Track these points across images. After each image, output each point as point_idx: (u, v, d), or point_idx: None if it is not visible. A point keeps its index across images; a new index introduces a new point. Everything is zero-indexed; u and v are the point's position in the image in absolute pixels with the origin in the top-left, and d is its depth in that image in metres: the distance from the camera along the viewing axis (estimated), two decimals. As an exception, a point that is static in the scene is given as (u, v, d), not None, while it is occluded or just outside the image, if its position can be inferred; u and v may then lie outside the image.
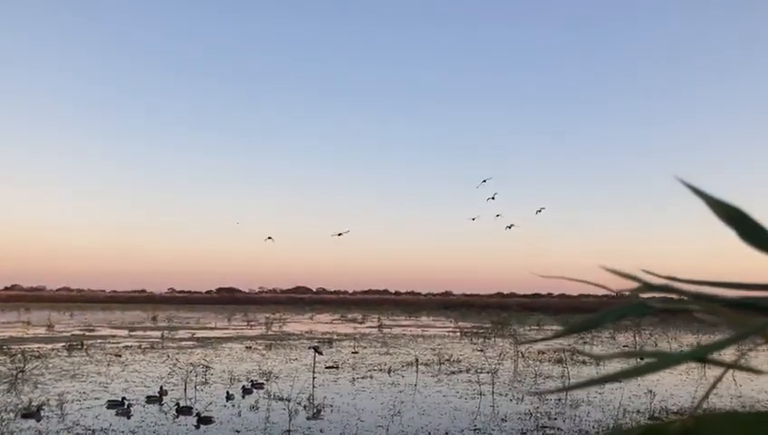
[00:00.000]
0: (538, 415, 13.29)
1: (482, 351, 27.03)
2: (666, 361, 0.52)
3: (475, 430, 11.81)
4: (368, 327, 46.13)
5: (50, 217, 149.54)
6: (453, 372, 19.90)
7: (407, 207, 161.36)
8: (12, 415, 12.70)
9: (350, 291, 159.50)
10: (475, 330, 41.05)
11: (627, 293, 0.70)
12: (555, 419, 12.89)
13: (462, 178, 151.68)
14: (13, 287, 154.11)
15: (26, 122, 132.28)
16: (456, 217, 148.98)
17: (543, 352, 26.07)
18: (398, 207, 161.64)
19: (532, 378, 18.81)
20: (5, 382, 16.83)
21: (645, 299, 0.69)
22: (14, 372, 17.94)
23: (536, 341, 0.83)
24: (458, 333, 38.23)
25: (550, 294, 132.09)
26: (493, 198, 33.64)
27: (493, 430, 11.84)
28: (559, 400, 15.27)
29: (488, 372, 19.35)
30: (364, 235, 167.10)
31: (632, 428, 0.53)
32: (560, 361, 23.00)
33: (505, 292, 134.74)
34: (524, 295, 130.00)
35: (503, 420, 12.76)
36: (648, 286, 0.70)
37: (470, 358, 24.13)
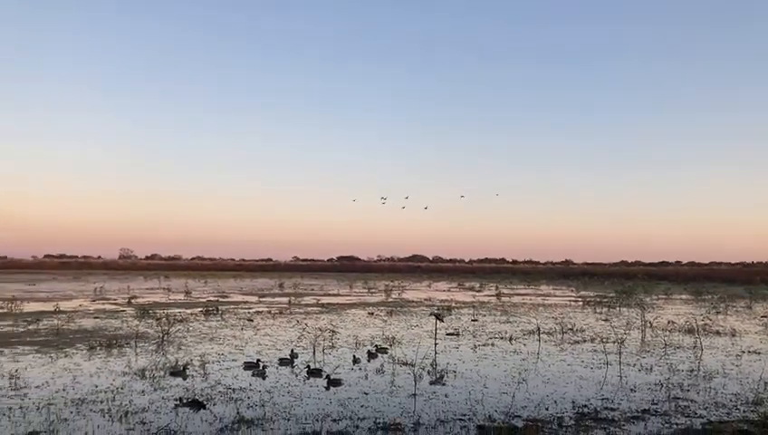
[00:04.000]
0: (669, 386, 12.65)
1: (606, 320, 26.03)
2: None
3: (602, 399, 11.39)
4: (486, 295, 45.41)
5: (184, 190, 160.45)
6: (576, 342, 19.18)
7: (524, 173, 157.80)
8: (161, 373, 13.40)
9: (467, 259, 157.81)
10: (598, 299, 39.45)
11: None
12: (688, 390, 12.23)
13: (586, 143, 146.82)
14: (153, 257, 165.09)
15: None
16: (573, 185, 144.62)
17: (673, 322, 24.79)
18: (518, 174, 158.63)
19: (662, 348, 17.83)
20: (154, 343, 17.71)
21: None
22: (161, 335, 18.97)
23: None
24: (580, 303, 36.92)
25: (678, 262, 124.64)
26: None
27: (621, 400, 11.36)
28: (691, 371, 14.39)
29: (614, 342, 18.65)
30: (483, 202, 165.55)
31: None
32: (690, 331, 21.76)
33: (630, 260, 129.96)
34: (650, 264, 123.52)
35: (631, 390, 12.22)
36: None
37: (594, 327, 23.23)
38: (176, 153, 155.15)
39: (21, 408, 10.13)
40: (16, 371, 13.34)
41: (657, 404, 11.08)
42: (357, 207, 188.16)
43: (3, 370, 13.55)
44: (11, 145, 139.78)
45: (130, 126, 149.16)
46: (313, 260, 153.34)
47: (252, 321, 24.26)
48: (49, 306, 29.94)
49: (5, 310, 27.81)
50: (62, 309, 28.66)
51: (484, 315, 28.15)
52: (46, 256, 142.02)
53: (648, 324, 23.86)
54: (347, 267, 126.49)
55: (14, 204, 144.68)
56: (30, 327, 21.72)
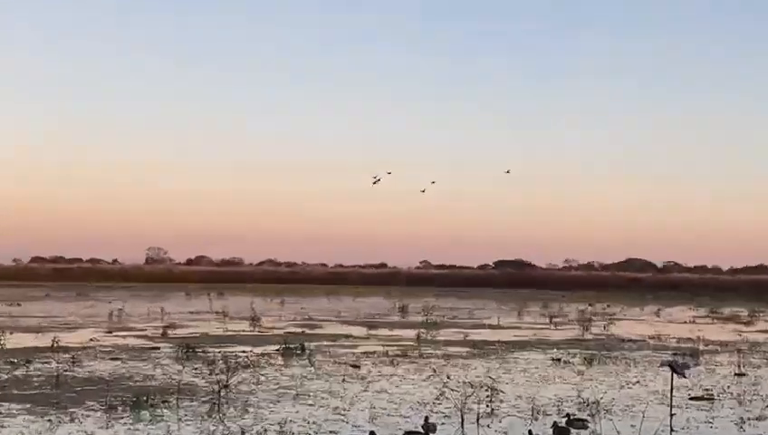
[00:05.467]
0: None
1: None
2: None
3: None
4: (761, 331, 42.24)
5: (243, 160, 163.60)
6: None
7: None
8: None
9: (724, 268, 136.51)
10: None
11: None
12: None
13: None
14: (197, 261, 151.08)
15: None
16: None
17: None
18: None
19: None
20: (205, 402, 17.24)
21: None
22: (216, 388, 18.20)
23: None
24: None
25: None
26: None
27: None
28: None
29: None
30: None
31: None
32: None
33: None
34: None
35: None
36: None
37: None
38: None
39: None
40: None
41: None
42: (521, 184, 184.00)
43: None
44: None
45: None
46: (456, 267, 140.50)
47: (358, 368, 23.37)
48: (44, 340, 29.73)
49: (-23, 348, 26.74)
50: (63, 344, 28.11)
51: (758, 367, 25.82)
52: (35, 260, 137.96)
53: None
54: (512, 279, 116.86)
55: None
56: (17, 373, 21.36)
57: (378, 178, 38.10)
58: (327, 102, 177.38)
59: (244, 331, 36.09)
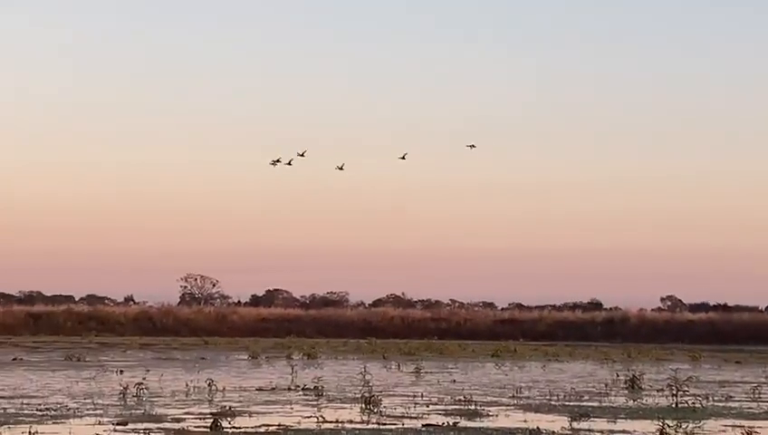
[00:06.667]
0: None
1: None
2: None
3: None
4: None
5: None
6: None
7: None
8: None
9: None
10: None
11: None
12: None
13: None
14: (271, 298, 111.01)
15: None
16: None
17: None
18: None
19: None
20: None
21: None
22: None
23: None
24: None
25: None
26: None
27: None
28: None
29: None
30: None
31: None
32: None
33: None
34: None
35: None
36: None
37: None
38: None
39: None
40: None
41: None
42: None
43: None
44: None
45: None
46: (729, 308, 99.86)
47: None
48: None
49: None
50: None
51: None
52: None
53: None
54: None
55: None
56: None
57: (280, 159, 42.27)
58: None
59: (352, 422, 21.97)
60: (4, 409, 25.03)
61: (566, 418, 24.63)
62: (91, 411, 24.99)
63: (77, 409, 25.69)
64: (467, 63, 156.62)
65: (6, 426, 20.50)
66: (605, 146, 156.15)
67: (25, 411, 24.45)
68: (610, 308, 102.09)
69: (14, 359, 50.40)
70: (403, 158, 52.10)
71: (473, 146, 52.25)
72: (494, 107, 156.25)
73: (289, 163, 45.36)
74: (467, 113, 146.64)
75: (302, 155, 46.86)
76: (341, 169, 53.61)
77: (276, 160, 43.37)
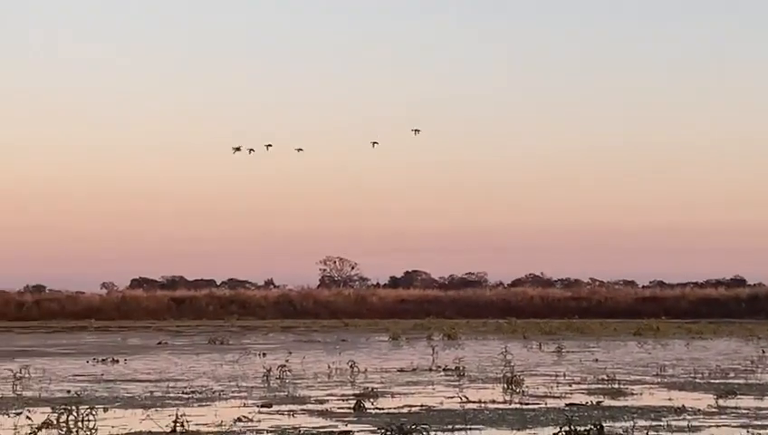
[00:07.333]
0: None
1: None
2: None
3: None
4: None
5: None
6: None
7: None
8: None
9: None
10: None
11: None
12: None
13: None
14: (410, 279, 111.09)
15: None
16: None
17: None
18: None
19: None
20: None
21: None
22: None
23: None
24: None
25: None
26: None
27: None
28: None
29: None
30: None
31: None
32: None
33: None
34: None
35: None
36: None
37: None
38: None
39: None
40: None
41: None
42: None
43: None
44: None
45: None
46: None
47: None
48: (159, 422, 15.99)
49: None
50: (191, 429, 15.50)
51: None
52: (137, 284, 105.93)
53: None
54: None
55: None
56: None
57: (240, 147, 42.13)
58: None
59: (494, 401, 22.54)
60: (152, 392, 26.25)
61: (712, 396, 24.84)
62: (236, 394, 26.03)
63: (222, 391, 26.63)
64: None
65: (154, 409, 21.38)
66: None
67: (171, 394, 25.53)
68: (754, 284, 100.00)
69: (159, 343, 52.00)
70: None
71: (417, 131, 50.23)
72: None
73: (250, 151, 44.06)
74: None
75: (269, 147, 45.32)
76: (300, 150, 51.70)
77: (237, 148, 42.26)
